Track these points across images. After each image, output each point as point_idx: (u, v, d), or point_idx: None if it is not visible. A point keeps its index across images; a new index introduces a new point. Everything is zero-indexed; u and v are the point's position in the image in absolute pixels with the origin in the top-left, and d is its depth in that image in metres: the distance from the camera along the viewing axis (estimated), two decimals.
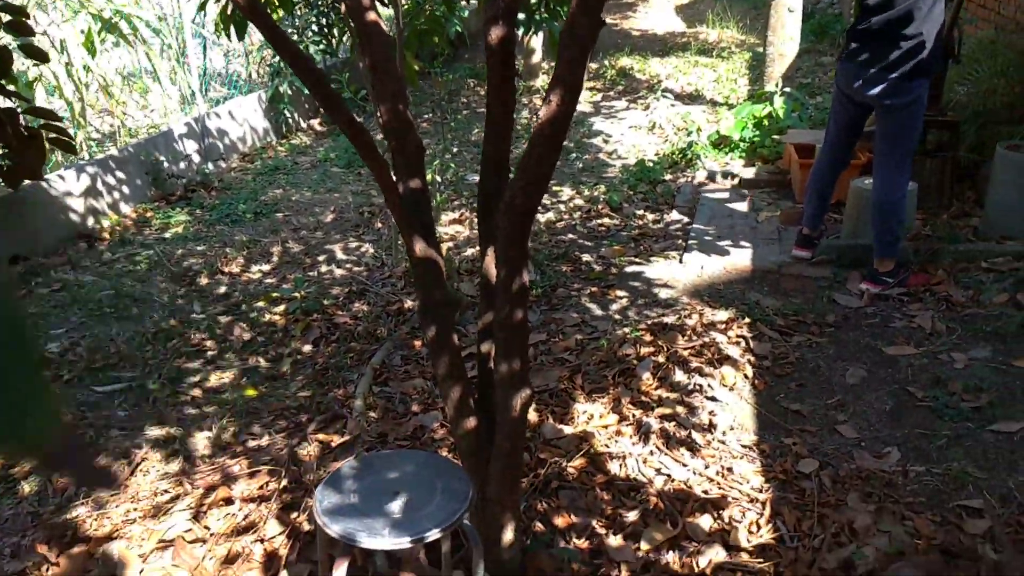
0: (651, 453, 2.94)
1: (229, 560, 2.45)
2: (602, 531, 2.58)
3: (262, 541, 2.55)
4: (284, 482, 2.82)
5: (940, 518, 2.58)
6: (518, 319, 1.98)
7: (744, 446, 3.01)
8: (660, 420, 3.10)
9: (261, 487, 2.81)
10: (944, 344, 3.68)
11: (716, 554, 2.44)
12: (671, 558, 2.46)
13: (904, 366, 3.53)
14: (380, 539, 1.75)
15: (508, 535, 2.33)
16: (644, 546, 2.50)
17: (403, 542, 1.75)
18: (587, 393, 3.32)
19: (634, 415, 3.15)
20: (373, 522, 1.79)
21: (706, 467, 2.88)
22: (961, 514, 2.61)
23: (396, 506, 1.85)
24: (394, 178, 2.05)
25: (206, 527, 2.61)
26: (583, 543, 2.54)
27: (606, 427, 3.08)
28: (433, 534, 1.78)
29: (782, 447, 3.01)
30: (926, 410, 3.21)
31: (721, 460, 2.92)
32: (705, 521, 2.59)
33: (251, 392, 3.56)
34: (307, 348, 3.96)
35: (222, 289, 4.69)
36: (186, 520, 2.64)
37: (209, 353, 3.97)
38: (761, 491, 2.75)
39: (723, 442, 3.03)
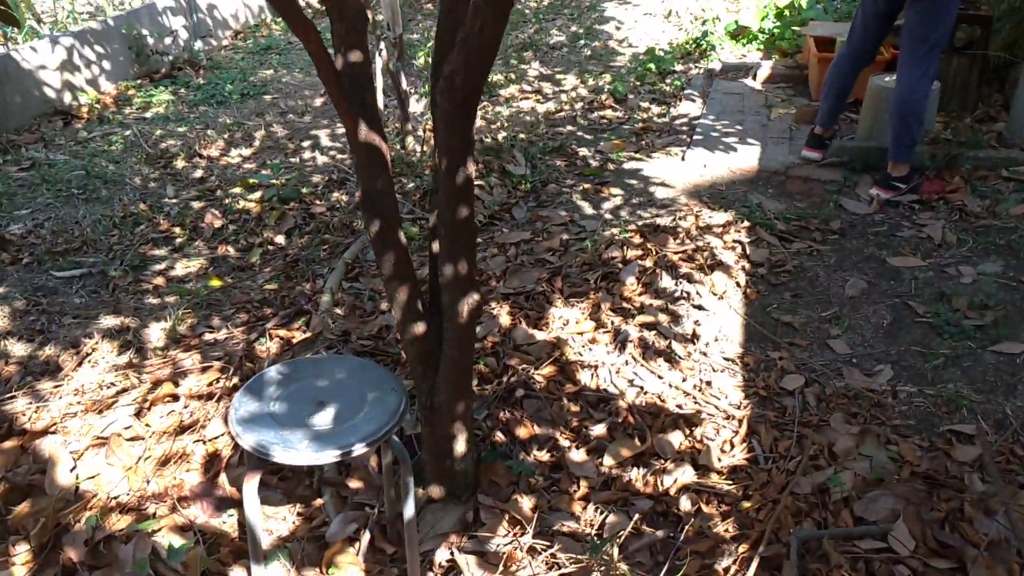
0: (626, 363, 2.77)
1: (166, 460, 2.32)
2: (565, 443, 2.43)
3: (204, 442, 2.41)
4: (235, 380, 2.67)
5: (928, 443, 2.40)
6: (462, 216, 1.77)
7: (727, 359, 2.83)
8: (640, 328, 2.91)
9: (211, 384, 2.66)
10: (953, 257, 3.44)
11: (683, 473, 2.29)
12: (634, 475, 2.31)
13: (908, 278, 3.30)
14: (296, 453, 1.59)
15: (459, 446, 2.17)
16: (608, 461, 2.35)
17: (321, 457, 1.59)
18: (566, 297, 3.12)
19: (613, 323, 2.95)
20: (291, 435, 1.63)
21: (683, 380, 2.71)
22: (951, 439, 2.43)
23: (320, 418, 1.68)
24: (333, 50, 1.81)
25: (147, 424, 2.47)
26: (544, 455, 2.39)
27: (581, 334, 2.90)
28: (358, 448, 1.62)
29: (767, 361, 2.82)
30: (926, 326, 3.00)
31: (700, 373, 2.74)
32: (675, 438, 2.42)
33: (216, 283, 3.39)
34: (280, 238, 3.77)
35: (198, 173, 4.47)
36: (128, 416, 2.50)
37: (177, 240, 3.79)
38: (739, 407, 2.58)
39: (705, 354, 2.84)
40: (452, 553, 2.10)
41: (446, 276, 1.86)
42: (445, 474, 2.22)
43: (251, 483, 1.64)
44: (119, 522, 2.14)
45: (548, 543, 2.09)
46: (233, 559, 2.05)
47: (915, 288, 3.24)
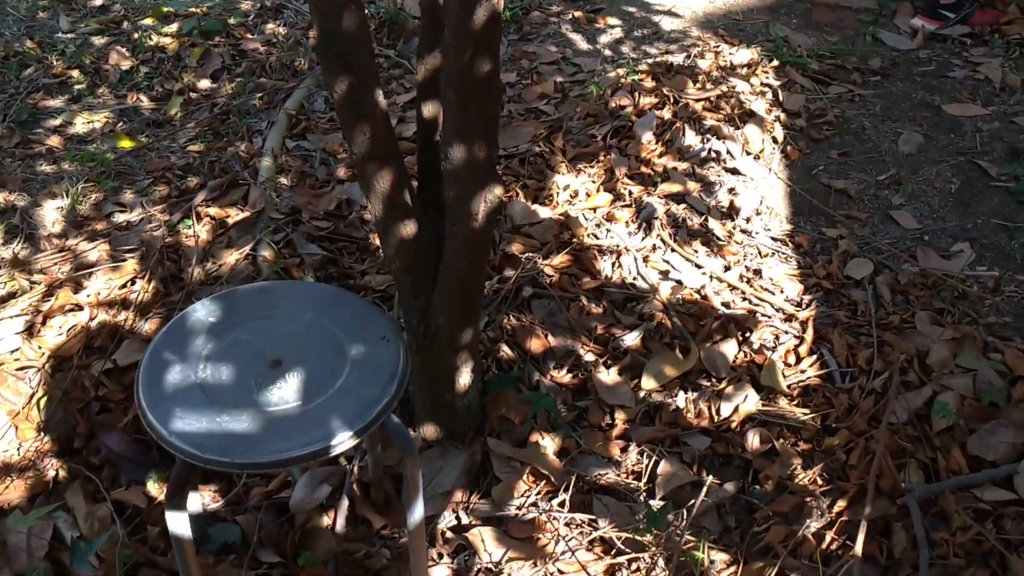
0: (654, 248, 2.21)
1: (69, 399, 1.74)
2: (590, 358, 1.91)
3: (119, 369, 1.83)
4: (154, 283, 2.05)
5: None
6: (482, 73, 1.14)
7: (775, 239, 2.29)
8: (666, 201, 2.34)
9: (124, 287, 2.05)
10: (1018, 103, 2.89)
11: (744, 398, 1.80)
12: (682, 401, 1.81)
13: (970, 131, 2.75)
14: (245, 453, 1.03)
15: (463, 379, 1.64)
16: (647, 383, 1.84)
17: (285, 457, 1.03)
18: (569, 160, 2.51)
19: (631, 193, 2.38)
20: (235, 421, 1.06)
21: (726, 269, 2.17)
22: None
23: (278, 390, 1.11)
24: None
25: (41, 347, 1.87)
26: (564, 376, 1.87)
27: (595, 210, 2.32)
28: (341, 442, 1.06)
29: (823, 241, 2.30)
30: (1003, 192, 2.49)
31: (746, 259, 2.21)
32: (728, 349, 1.91)
33: (126, 143, 2.69)
34: (204, 83, 3.03)
35: (98, 0, 3.62)
36: (15, 335, 1.89)
37: (76, 87, 3.03)
38: (799, 304, 2.07)
39: (748, 232, 2.30)
40: (459, 518, 1.60)
41: (454, 161, 1.25)
42: (442, 410, 1.70)
43: (176, 503, 1.08)
44: (6, 491, 1.59)
45: (585, 508, 1.60)
46: (166, 542, 1.53)
47: (981, 143, 2.70)
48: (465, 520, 1.60)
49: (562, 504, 1.61)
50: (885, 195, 2.49)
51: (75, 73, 3.08)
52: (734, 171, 2.48)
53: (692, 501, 1.59)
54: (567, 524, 1.57)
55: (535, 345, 1.92)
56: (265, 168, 2.48)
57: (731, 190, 2.41)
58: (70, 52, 3.18)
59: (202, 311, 1.22)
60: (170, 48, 3.20)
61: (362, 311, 1.24)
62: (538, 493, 1.63)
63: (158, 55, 3.18)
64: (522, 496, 1.63)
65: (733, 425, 1.76)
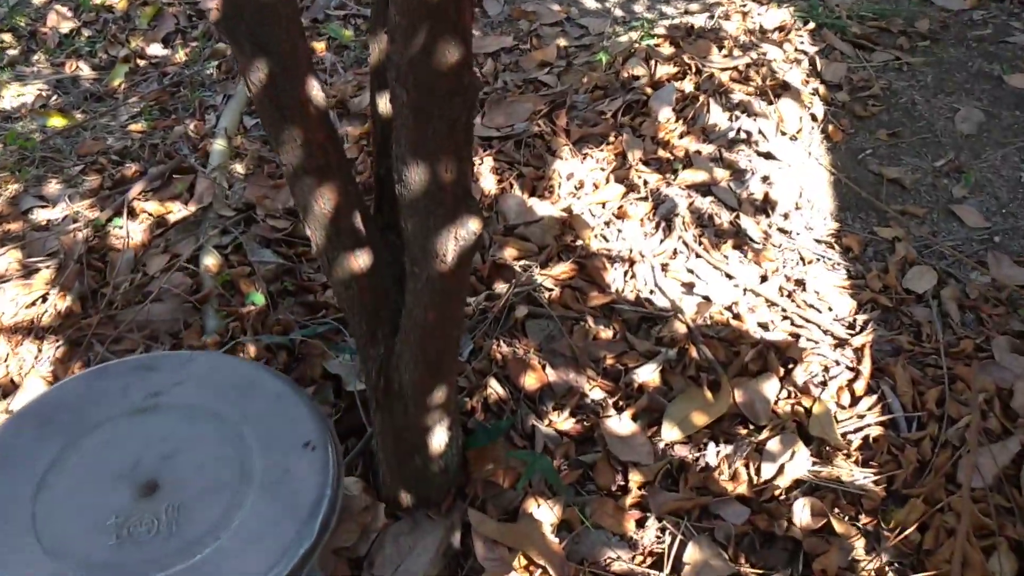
0: (675, 253, 1.85)
1: None
2: (597, 396, 1.56)
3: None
4: (69, 301, 1.69)
5: None
6: (447, 63, 0.77)
7: (819, 241, 1.93)
8: (688, 194, 1.97)
9: (33, 304, 1.69)
10: None
11: (791, 456, 1.44)
12: (714, 458, 1.46)
13: None
14: None
15: (437, 441, 1.29)
16: (669, 435, 1.49)
17: None
18: (574, 143, 2.13)
19: (647, 183, 2.01)
20: None
21: (763, 280, 1.81)
22: None
23: (146, 535, 0.76)
24: None
25: None
26: (565, 421, 1.52)
27: (604, 205, 1.95)
28: None
29: (876, 243, 1.93)
30: None
31: (786, 266, 1.85)
32: (769, 387, 1.56)
33: (58, 120, 2.31)
34: (154, 48, 2.64)
35: None
36: None
37: (8, 52, 2.64)
38: (853, 327, 1.71)
39: (787, 233, 1.93)
40: None
41: (411, 186, 0.89)
42: (412, 476, 1.35)
43: None
44: None
45: None
46: None
47: None
48: None
49: None
50: (944, 185, 2.11)
51: (7, 37, 2.69)
52: (768, 155, 2.10)
53: None
54: None
55: (530, 381, 1.57)
56: (217, 152, 2.11)
57: (765, 179, 2.04)
58: (2, 13, 2.79)
59: (56, 396, 0.87)
60: (118, 7, 2.81)
61: (282, 402, 0.88)
62: None
63: (104, 15, 2.78)
64: None
65: (777, 492, 1.41)
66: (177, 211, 1.94)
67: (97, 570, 0.72)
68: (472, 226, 0.91)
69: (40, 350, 1.59)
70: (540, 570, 1.30)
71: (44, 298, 1.69)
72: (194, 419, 0.85)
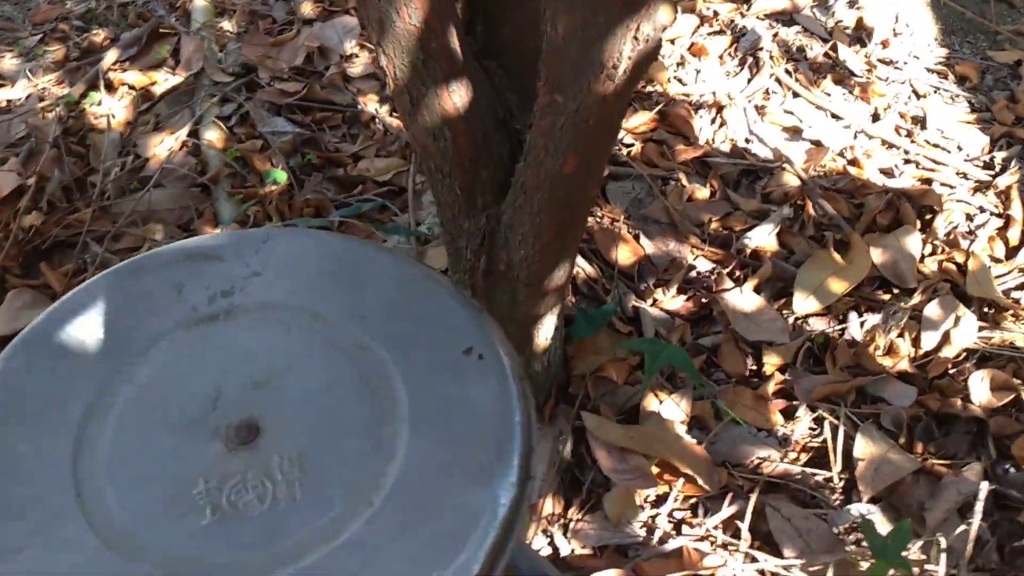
0: (768, 93, 1.56)
1: None
2: (705, 269, 1.30)
3: None
4: (51, 190, 1.38)
5: None
6: None
7: (930, 71, 1.64)
8: (769, 23, 1.67)
9: (4, 202, 1.38)
10: None
11: (955, 322, 1.20)
12: (859, 329, 1.21)
13: None
14: None
15: (544, 333, 1.03)
16: (803, 304, 1.24)
17: None
18: None
19: (717, 14, 1.69)
20: None
21: (875, 119, 1.53)
22: None
23: (249, 502, 0.48)
24: None
25: None
26: (673, 300, 1.27)
27: (673, 41, 1.64)
28: None
29: (995, 69, 1.65)
30: None
31: (897, 101, 1.56)
32: (911, 243, 1.30)
33: None
34: None
35: None
36: None
37: None
38: (990, 166, 1.45)
39: (891, 64, 1.64)
40: (554, 546, 1.03)
41: None
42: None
43: None
44: None
45: (758, 535, 1.03)
46: None
47: None
48: (566, 548, 1.03)
49: (735, 533, 1.04)
50: None
51: None
52: None
53: (924, 503, 1.02)
54: (726, 550, 1.00)
55: (624, 255, 1.30)
56: (200, 9, 1.75)
57: (853, 3, 1.73)
58: None
59: (69, 311, 0.58)
60: None
61: (411, 291, 0.60)
62: (678, 502, 1.05)
63: None
64: (650, 507, 1.06)
65: (946, 365, 1.17)
66: (163, 81, 1.61)
67: (192, 567, 0.46)
68: (662, 17, 0.62)
69: (19, 256, 1.29)
70: (681, 479, 1.06)
71: (18, 193, 1.38)
72: (289, 325, 0.57)
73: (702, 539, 1.01)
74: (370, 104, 1.55)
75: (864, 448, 1.07)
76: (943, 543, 0.92)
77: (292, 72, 1.62)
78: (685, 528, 1.03)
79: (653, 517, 1.04)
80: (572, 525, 1.05)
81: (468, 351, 0.55)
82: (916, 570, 0.95)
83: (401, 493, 0.49)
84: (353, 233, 1.33)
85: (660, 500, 1.06)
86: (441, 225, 0.97)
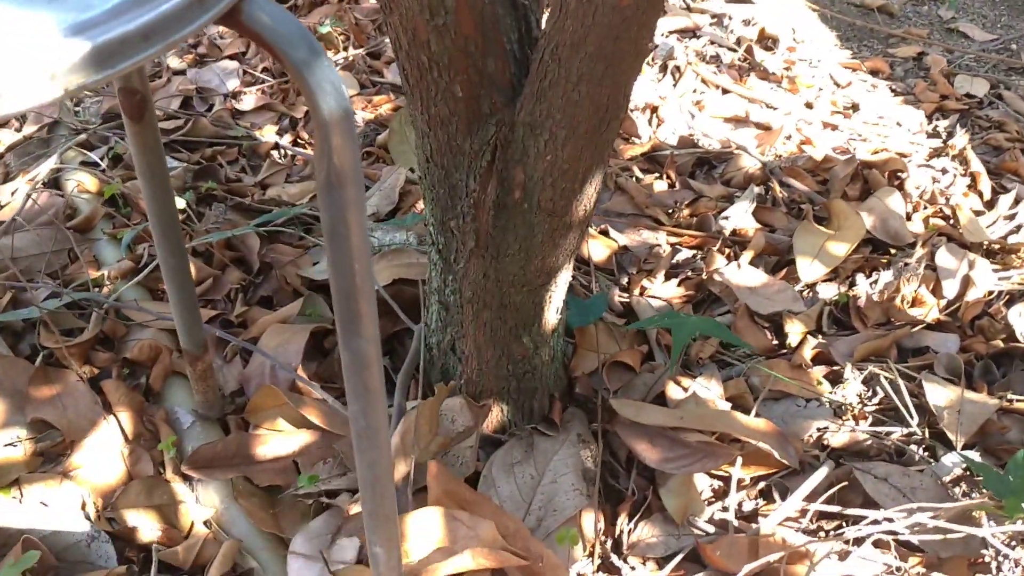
0: (697, 93, 1.48)
1: None
2: (686, 256, 1.15)
3: None
4: None
5: None
6: None
7: (844, 67, 1.62)
8: (677, 37, 1.62)
9: None
10: None
11: (971, 265, 1.10)
12: (868, 289, 1.09)
13: None
14: None
15: (556, 303, 0.83)
16: (808, 270, 1.10)
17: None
18: None
19: None
20: None
21: (809, 107, 1.47)
22: None
23: None
24: None
25: None
26: (663, 286, 1.10)
27: None
28: None
29: (902, 63, 1.66)
30: None
31: (824, 89, 1.52)
32: (894, 202, 1.21)
33: None
34: None
35: None
36: None
37: None
38: (937, 134, 1.41)
39: (807, 62, 1.61)
40: (606, 563, 0.80)
41: None
42: (514, 371, 0.88)
43: None
44: None
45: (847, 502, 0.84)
46: None
47: None
48: (627, 570, 0.79)
49: (821, 513, 0.84)
50: (927, 11, 1.89)
51: None
52: None
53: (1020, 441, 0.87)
54: (826, 533, 0.80)
55: (597, 249, 1.13)
56: None
57: (747, 22, 1.72)
58: None
59: None
60: None
61: None
62: (745, 487, 0.85)
63: None
64: (715, 500, 0.85)
65: (975, 309, 1.05)
66: (5, 138, 1.34)
67: None
68: None
69: None
70: (751, 460, 0.86)
71: None
72: None
73: (793, 520, 0.81)
74: (267, 135, 1.34)
75: (940, 395, 0.91)
76: None
77: (168, 115, 1.40)
78: (764, 513, 0.82)
79: (723, 509, 0.83)
80: (626, 540, 0.82)
81: None
82: None
83: None
84: (274, 255, 1.09)
85: (718, 494, 0.85)
86: (427, 161, 0.77)
